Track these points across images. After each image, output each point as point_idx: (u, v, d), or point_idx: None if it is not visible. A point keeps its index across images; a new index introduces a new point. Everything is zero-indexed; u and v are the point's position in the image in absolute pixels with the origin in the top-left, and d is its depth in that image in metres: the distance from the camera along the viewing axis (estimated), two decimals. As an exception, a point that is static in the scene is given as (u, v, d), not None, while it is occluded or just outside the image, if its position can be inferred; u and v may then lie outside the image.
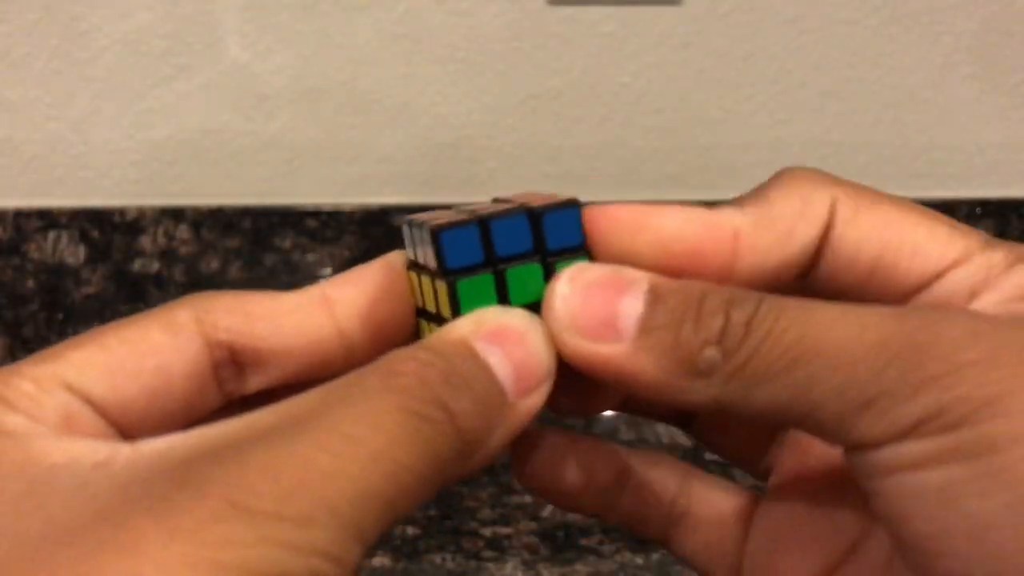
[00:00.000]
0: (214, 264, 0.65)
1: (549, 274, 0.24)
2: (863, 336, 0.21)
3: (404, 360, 0.21)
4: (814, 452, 0.27)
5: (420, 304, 0.25)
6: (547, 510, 0.53)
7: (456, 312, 0.23)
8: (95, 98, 0.64)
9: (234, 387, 0.24)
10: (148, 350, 0.23)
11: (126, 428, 0.23)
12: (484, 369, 0.22)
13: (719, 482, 0.28)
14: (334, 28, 0.65)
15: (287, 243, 0.65)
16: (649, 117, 0.67)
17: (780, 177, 0.25)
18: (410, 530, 0.50)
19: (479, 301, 0.23)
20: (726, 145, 0.68)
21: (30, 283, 0.65)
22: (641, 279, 0.23)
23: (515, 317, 0.23)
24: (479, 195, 0.67)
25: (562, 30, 0.66)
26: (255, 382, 0.24)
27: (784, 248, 0.24)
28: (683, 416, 0.29)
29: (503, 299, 0.24)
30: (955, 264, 0.24)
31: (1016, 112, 0.68)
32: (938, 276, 0.24)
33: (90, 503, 0.18)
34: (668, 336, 0.22)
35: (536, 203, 0.24)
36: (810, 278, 0.25)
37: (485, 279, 0.23)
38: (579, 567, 0.48)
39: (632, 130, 0.67)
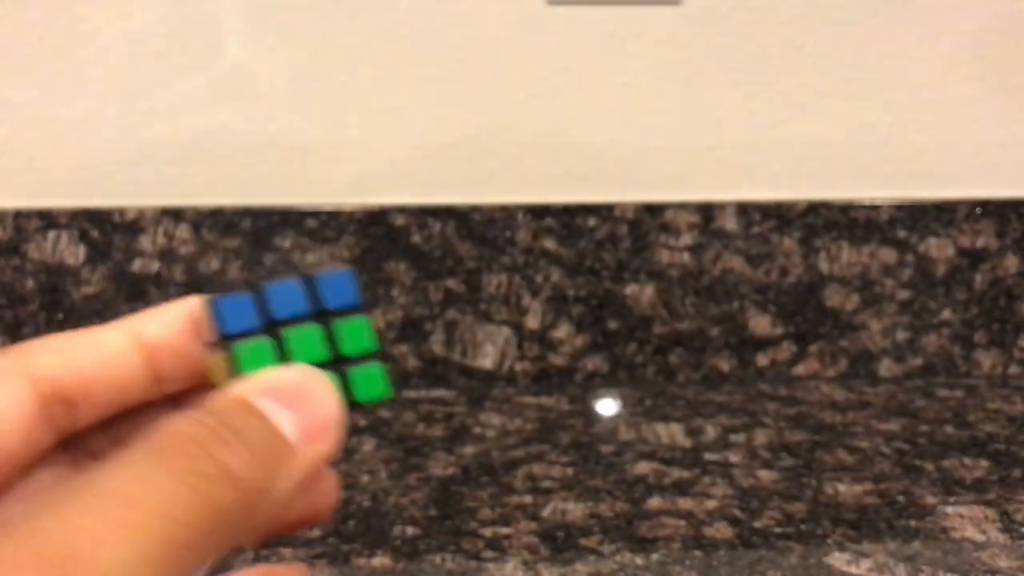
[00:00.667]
0: (214, 264, 0.65)
1: (330, 334, 0.25)
2: None
3: (179, 423, 0.22)
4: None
5: (217, 382, 0.26)
6: (547, 510, 0.53)
7: (237, 376, 0.24)
8: (95, 98, 0.64)
9: (67, 423, 0.26)
10: None
11: None
12: (260, 419, 0.23)
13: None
14: (334, 28, 0.64)
15: (287, 243, 0.65)
16: (649, 117, 0.67)
17: None
18: (410, 530, 0.50)
19: (260, 365, 0.24)
20: (726, 145, 0.68)
21: (30, 283, 0.65)
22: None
23: (293, 371, 0.24)
24: (479, 195, 0.67)
25: (562, 30, 0.65)
26: (85, 414, 0.26)
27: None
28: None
29: (285, 361, 0.25)
30: None
31: (1016, 112, 0.68)
32: None
33: None
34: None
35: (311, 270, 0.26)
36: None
37: (264, 344, 0.25)
38: (579, 567, 0.48)
39: (632, 130, 0.67)
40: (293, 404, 0.23)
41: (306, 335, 0.25)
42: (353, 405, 0.26)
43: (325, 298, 0.25)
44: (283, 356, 0.25)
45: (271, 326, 0.25)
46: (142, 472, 0.20)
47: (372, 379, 0.26)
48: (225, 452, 0.21)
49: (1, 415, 0.24)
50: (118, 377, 0.26)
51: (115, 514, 0.19)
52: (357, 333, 0.26)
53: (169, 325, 0.26)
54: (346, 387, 0.26)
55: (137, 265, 0.65)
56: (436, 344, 0.67)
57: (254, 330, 0.25)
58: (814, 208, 0.67)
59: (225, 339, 0.25)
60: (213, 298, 0.25)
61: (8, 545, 0.18)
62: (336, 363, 0.26)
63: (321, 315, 0.26)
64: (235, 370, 0.24)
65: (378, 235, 0.66)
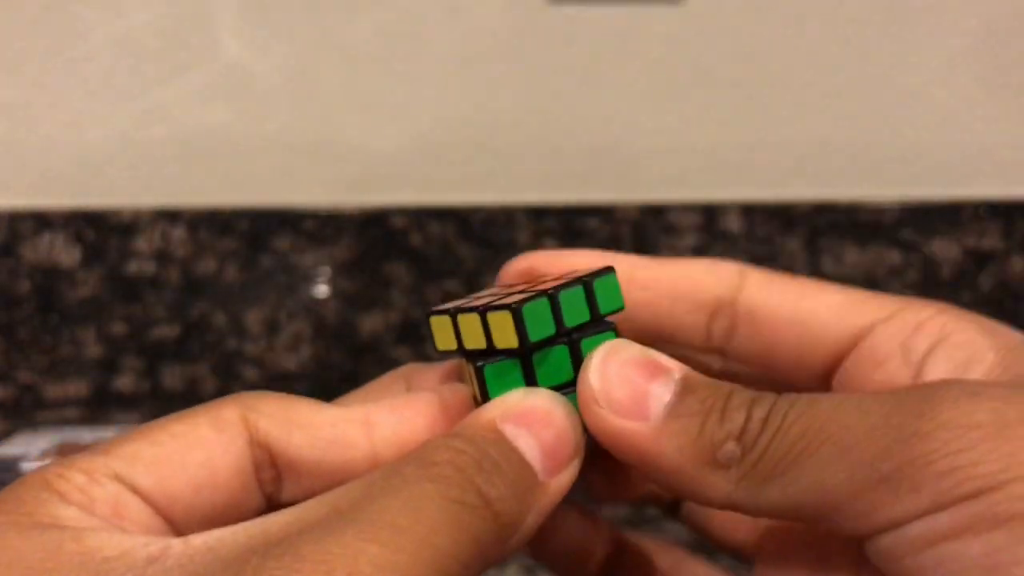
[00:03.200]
0: (210, 265, 0.65)
1: (575, 354, 0.24)
2: (866, 418, 0.21)
3: (439, 449, 0.22)
4: (795, 535, 0.27)
5: (475, 396, 0.26)
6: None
7: (484, 396, 0.24)
8: (90, 98, 0.64)
9: (273, 491, 0.25)
10: (195, 444, 0.24)
11: (173, 520, 0.23)
12: (514, 452, 0.23)
13: (708, 569, 0.30)
14: (333, 27, 0.64)
15: (284, 244, 0.65)
16: (649, 117, 0.67)
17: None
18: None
19: (506, 385, 0.24)
20: (729, 145, 0.67)
21: (24, 285, 0.65)
22: (674, 368, 0.24)
23: (540, 397, 0.24)
24: (479, 195, 0.66)
25: (562, 30, 0.65)
26: (289, 491, 0.25)
27: (691, 298, 0.28)
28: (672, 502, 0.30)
29: (530, 382, 0.24)
30: (879, 321, 0.26)
31: (1022, 112, 0.68)
32: (863, 334, 0.26)
33: None
34: (693, 425, 0.23)
35: (577, 274, 0.25)
36: (730, 348, 0.28)
37: (511, 364, 0.24)
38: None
39: (632, 130, 0.67)
40: (540, 434, 0.23)
41: (554, 355, 0.24)
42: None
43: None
44: (529, 378, 0.24)
45: (560, 335, 0.24)
46: (409, 499, 0.20)
47: None
48: (487, 483, 0.21)
49: (211, 465, 0.24)
50: (338, 469, 0.25)
51: (382, 544, 0.19)
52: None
53: (410, 423, 0.25)
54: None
55: (132, 267, 0.65)
56: (435, 346, 0.67)
57: (551, 339, 0.24)
58: (818, 209, 0.67)
59: (472, 354, 0.24)
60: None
61: (267, 570, 0.19)
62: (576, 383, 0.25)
63: (566, 333, 0.24)
64: (483, 391, 0.24)
65: (377, 236, 0.65)
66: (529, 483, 0.22)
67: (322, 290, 0.66)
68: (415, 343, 0.66)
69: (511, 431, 0.23)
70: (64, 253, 0.64)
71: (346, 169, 0.66)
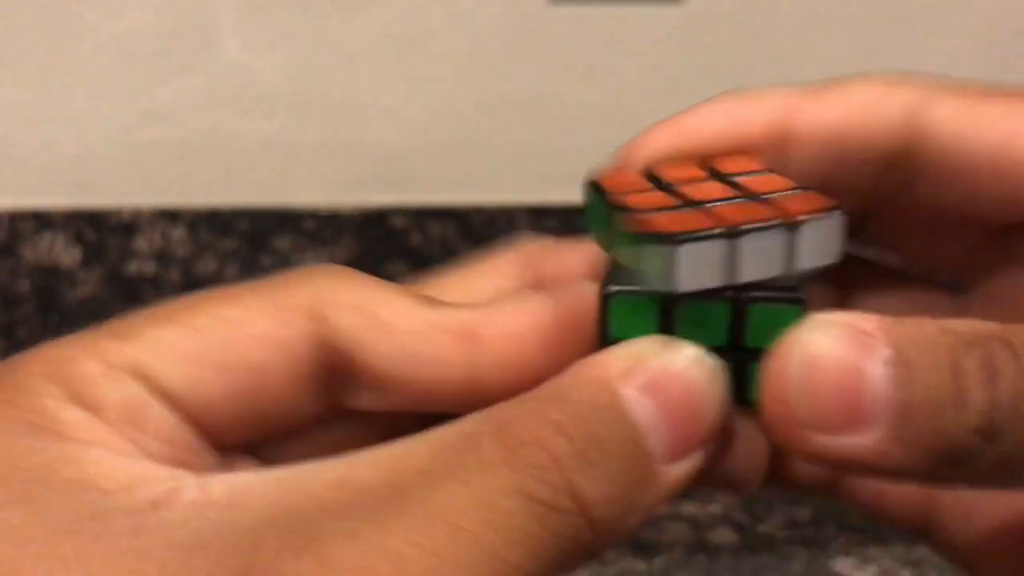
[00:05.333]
0: (211, 265, 0.65)
1: (739, 315, 0.19)
2: None
3: (530, 421, 0.17)
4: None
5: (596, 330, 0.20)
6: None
7: (604, 336, 0.19)
8: (90, 98, 0.64)
9: (339, 398, 0.20)
10: (246, 340, 0.19)
11: (204, 427, 0.19)
12: (629, 432, 0.17)
13: None
14: (333, 27, 0.64)
15: (285, 244, 0.65)
16: (649, 117, 0.66)
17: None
18: (409, 535, 0.50)
19: (634, 329, 0.19)
20: (728, 145, 0.67)
21: (24, 285, 0.65)
22: (877, 334, 0.17)
23: (681, 356, 0.18)
24: (479, 195, 0.66)
25: (562, 30, 0.65)
26: (366, 401, 0.20)
27: (861, 128, 0.21)
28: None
29: (666, 331, 0.19)
30: None
31: (1021, 112, 0.68)
32: None
33: (139, 562, 0.15)
34: (927, 423, 0.17)
35: (793, 209, 0.19)
36: (914, 193, 0.21)
37: (648, 301, 0.19)
38: (580, 572, 0.47)
39: (632, 130, 0.66)
40: (672, 409, 0.18)
41: (707, 313, 0.19)
42: (741, 405, 0.19)
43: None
44: (666, 325, 0.19)
45: (728, 290, 0.18)
46: (481, 492, 0.16)
47: None
48: (586, 480, 0.17)
49: (260, 367, 0.19)
50: (429, 389, 0.20)
51: (436, 553, 0.15)
52: (778, 322, 0.18)
53: (527, 343, 0.20)
54: (739, 384, 0.19)
55: (133, 267, 0.65)
56: (435, 346, 0.67)
57: (714, 291, 0.18)
58: (818, 209, 0.67)
59: (613, 292, 0.19)
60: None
61: (282, 563, 0.15)
62: (732, 351, 0.19)
63: (734, 288, 0.18)
64: (603, 326, 0.19)
65: (377, 236, 0.65)
66: (641, 475, 0.18)
67: (322, 290, 0.66)
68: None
69: (631, 398, 0.17)
70: (64, 253, 0.64)
71: (346, 169, 0.66)
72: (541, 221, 0.66)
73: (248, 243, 0.64)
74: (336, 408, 0.20)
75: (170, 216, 0.65)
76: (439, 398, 0.20)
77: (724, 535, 0.50)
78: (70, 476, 0.17)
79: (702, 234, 0.18)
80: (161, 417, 0.19)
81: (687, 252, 0.18)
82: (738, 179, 0.20)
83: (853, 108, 0.22)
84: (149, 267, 0.65)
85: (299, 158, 0.66)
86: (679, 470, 0.18)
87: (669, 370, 0.18)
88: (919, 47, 0.67)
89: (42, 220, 0.64)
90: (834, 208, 0.19)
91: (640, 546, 0.49)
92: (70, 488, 0.16)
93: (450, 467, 0.16)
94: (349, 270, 0.20)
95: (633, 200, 0.20)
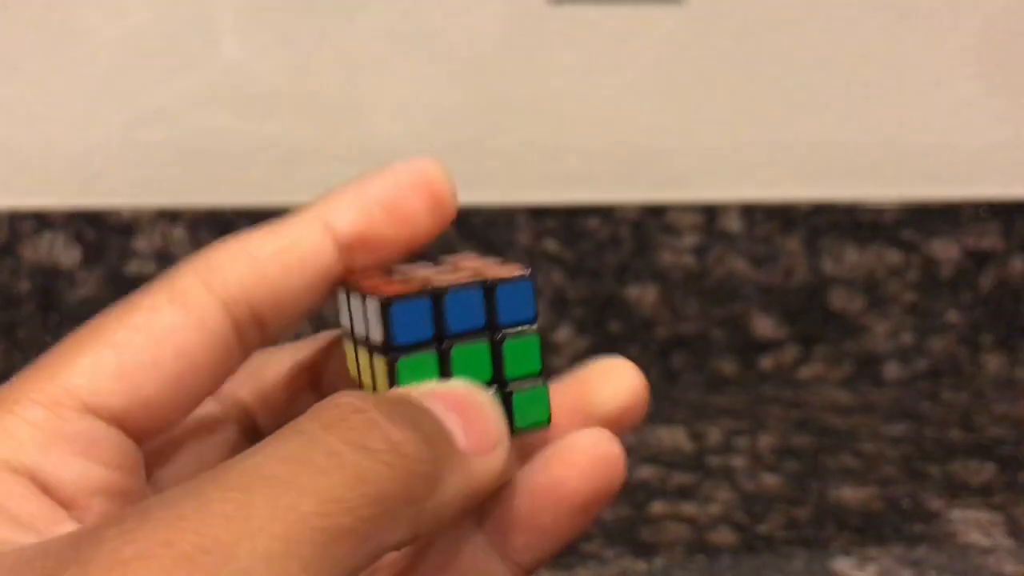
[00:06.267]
0: (211, 266, 0.65)
1: (497, 352, 0.22)
2: None
3: (342, 395, 0.19)
4: None
5: (355, 376, 0.23)
6: (548, 515, 0.52)
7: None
8: (90, 98, 0.64)
9: (256, 340, 0.23)
10: (162, 336, 0.21)
11: (146, 434, 0.21)
12: (429, 413, 0.20)
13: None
14: (332, 27, 0.64)
15: (284, 244, 0.65)
16: (649, 117, 0.67)
17: None
18: (409, 535, 0.50)
19: (419, 379, 0.22)
20: (729, 146, 0.67)
21: (24, 285, 0.64)
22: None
23: (459, 384, 0.21)
24: (479, 196, 0.66)
25: (562, 30, 0.65)
26: (275, 328, 0.23)
27: None
28: None
29: (446, 377, 0.22)
30: None
31: (1022, 112, 0.68)
32: None
33: None
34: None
35: (489, 273, 0.23)
36: None
37: (428, 357, 0.22)
38: (580, 572, 0.47)
39: (634, 130, 0.67)
40: (460, 408, 0.20)
41: (473, 352, 0.22)
42: (512, 431, 0.22)
43: (500, 311, 0.22)
44: (444, 372, 0.22)
45: (440, 339, 0.22)
46: (298, 447, 0.18)
47: (533, 403, 0.23)
48: (395, 428, 0.18)
49: (187, 352, 0.21)
50: (312, 285, 0.22)
51: (262, 498, 0.16)
52: (525, 352, 0.23)
53: (368, 213, 0.23)
54: (507, 411, 0.22)
55: (133, 267, 0.65)
56: (435, 347, 0.67)
57: (423, 342, 0.22)
58: (819, 209, 0.67)
59: (389, 350, 0.21)
60: (389, 301, 0.21)
61: (141, 532, 0.16)
62: (497, 383, 0.22)
63: (490, 329, 0.22)
64: (391, 382, 0.21)
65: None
66: (445, 444, 0.20)
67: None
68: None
69: (426, 400, 0.20)
70: (64, 253, 0.64)
71: (346, 169, 0.66)
72: (541, 221, 0.66)
73: (248, 243, 0.64)
74: (253, 348, 0.23)
75: (170, 216, 0.64)
76: (321, 294, 0.23)
77: (724, 535, 0.50)
78: None
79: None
80: (111, 442, 0.20)
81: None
82: (450, 260, 0.25)
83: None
84: (149, 267, 0.65)
85: (299, 158, 0.66)
86: (486, 464, 0.20)
87: (453, 389, 0.21)
88: (919, 47, 0.67)
89: (42, 220, 0.64)
90: (524, 274, 0.23)
91: (640, 546, 0.49)
92: None
93: (274, 437, 0.18)
94: (216, 244, 0.23)
95: (366, 283, 0.23)
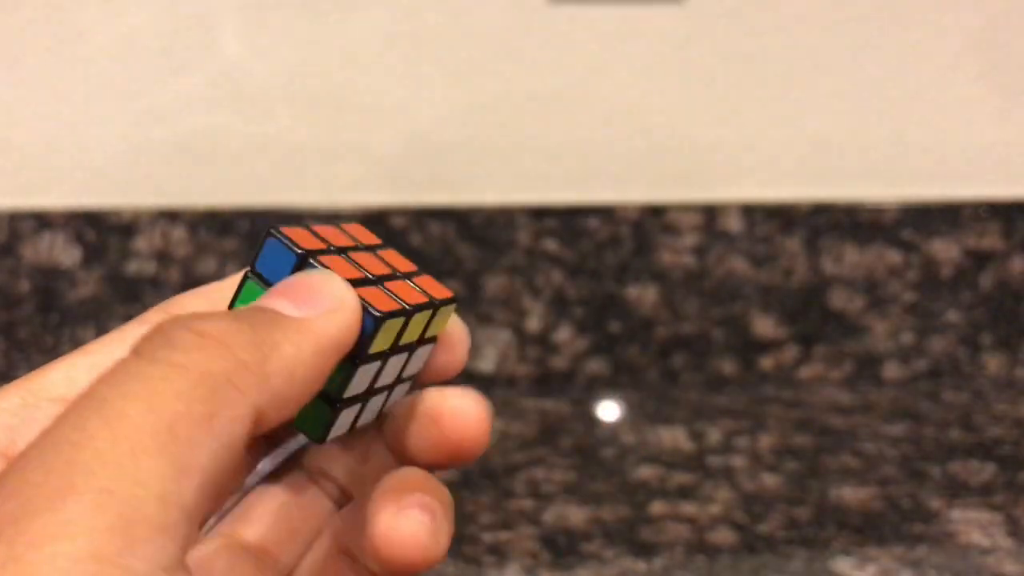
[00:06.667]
0: (210, 265, 0.65)
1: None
2: None
3: (163, 326, 0.20)
4: None
5: None
6: (548, 515, 0.52)
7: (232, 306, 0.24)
8: (91, 98, 0.64)
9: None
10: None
11: None
12: (249, 308, 0.21)
13: None
14: (332, 27, 0.64)
15: (285, 244, 0.64)
16: (649, 117, 0.66)
17: None
18: (409, 535, 0.50)
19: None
20: (729, 145, 0.67)
21: (24, 285, 0.64)
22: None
23: (292, 277, 0.23)
24: (478, 196, 0.66)
25: (562, 30, 0.65)
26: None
27: None
28: None
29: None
30: None
31: (1022, 112, 0.68)
32: None
33: None
34: None
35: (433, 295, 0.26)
36: None
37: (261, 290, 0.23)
38: (580, 572, 0.47)
39: (634, 130, 0.67)
40: (286, 293, 0.22)
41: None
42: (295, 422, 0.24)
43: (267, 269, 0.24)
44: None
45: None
46: (119, 370, 0.18)
47: (319, 417, 0.25)
48: (207, 324, 0.19)
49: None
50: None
51: (89, 414, 0.17)
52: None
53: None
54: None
55: (133, 267, 0.65)
56: (435, 347, 0.67)
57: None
58: (819, 209, 0.67)
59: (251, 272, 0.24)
60: (271, 234, 0.23)
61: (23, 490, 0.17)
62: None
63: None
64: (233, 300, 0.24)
65: (377, 236, 0.65)
66: (273, 319, 0.21)
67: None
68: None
69: (254, 305, 0.22)
70: (64, 253, 0.64)
71: (346, 169, 0.66)
72: (541, 221, 0.66)
73: (248, 243, 0.64)
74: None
75: (170, 216, 0.64)
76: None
77: (724, 535, 0.50)
78: None
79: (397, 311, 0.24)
80: None
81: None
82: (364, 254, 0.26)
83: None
84: (149, 267, 0.65)
85: (299, 158, 0.65)
86: (322, 322, 0.21)
87: (288, 280, 0.22)
88: (919, 47, 0.67)
89: (42, 220, 0.64)
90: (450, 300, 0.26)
91: (640, 546, 0.49)
92: None
93: (101, 380, 0.18)
94: (185, 294, 0.24)
95: (329, 259, 0.24)
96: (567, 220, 0.66)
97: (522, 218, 0.66)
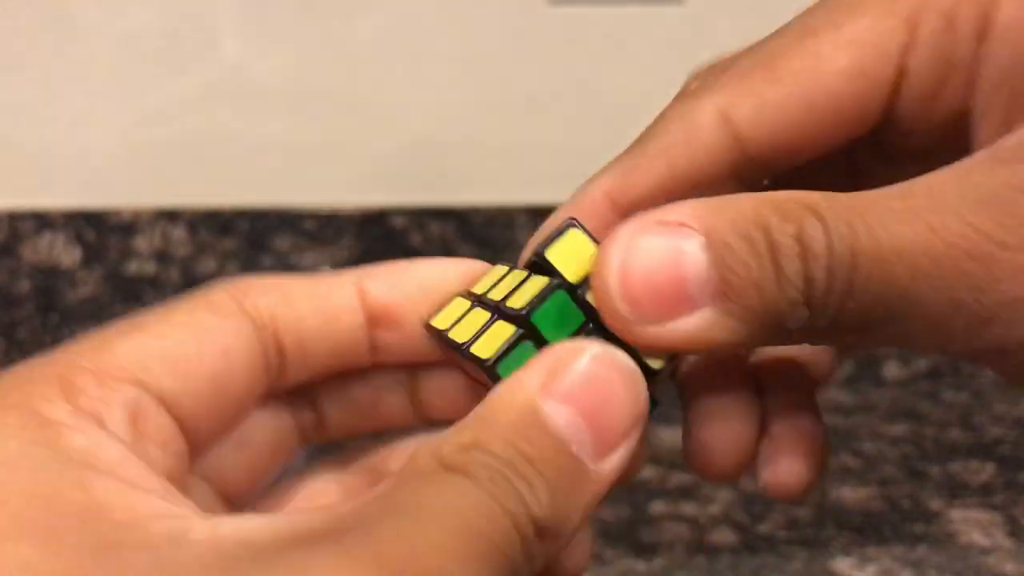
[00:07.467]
0: (211, 265, 0.65)
1: (572, 294, 0.22)
2: (950, 263, 0.18)
3: (463, 451, 0.18)
4: None
5: (441, 327, 0.23)
6: (548, 515, 0.52)
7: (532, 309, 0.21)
8: (90, 98, 0.64)
9: (276, 378, 0.23)
10: (204, 333, 0.21)
11: (190, 426, 0.21)
12: (553, 440, 0.18)
13: None
14: (332, 28, 0.64)
15: (285, 244, 0.65)
16: (650, 117, 0.66)
17: None
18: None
19: (554, 325, 0.21)
20: (728, 145, 0.67)
21: (24, 285, 0.64)
22: (690, 221, 0.19)
23: (587, 358, 0.19)
24: (478, 196, 0.66)
25: (562, 30, 0.65)
26: (294, 373, 0.23)
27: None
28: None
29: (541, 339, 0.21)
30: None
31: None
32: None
33: None
34: (749, 300, 0.19)
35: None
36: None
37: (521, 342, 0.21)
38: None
39: (633, 130, 0.66)
40: (588, 410, 0.19)
41: (554, 307, 0.21)
42: (649, 374, 0.21)
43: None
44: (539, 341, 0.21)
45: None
46: (473, 496, 0.17)
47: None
48: (525, 486, 0.18)
49: (227, 353, 0.21)
50: (337, 336, 0.23)
51: (459, 539, 0.17)
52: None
53: (402, 290, 0.23)
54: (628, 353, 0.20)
55: (133, 267, 0.65)
56: (435, 347, 0.67)
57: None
58: (818, 209, 0.67)
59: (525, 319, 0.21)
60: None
61: (345, 544, 0.16)
62: (597, 326, 0.21)
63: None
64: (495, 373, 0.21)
65: (377, 236, 0.65)
66: (573, 479, 0.18)
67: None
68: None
69: (553, 410, 0.18)
70: (64, 253, 0.64)
71: (346, 169, 0.66)
72: (541, 221, 0.66)
73: (248, 243, 0.64)
74: (273, 392, 0.23)
75: (170, 216, 0.64)
76: (346, 351, 0.23)
77: (724, 535, 0.50)
78: (80, 503, 0.17)
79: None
80: (160, 423, 0.20)
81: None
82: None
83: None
84: (149, 267, 0.65)
85: (299, 158, 0.65)
86: (611, 464, 0.19)
87: (579, 374, 0.19)
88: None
89: (42, 220, 0.64)
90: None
91: (640, 546, 0.49)
92: (82, 517, 0.16)
93: (438, 477, 0.18)
94: (253, 276, 0.23)
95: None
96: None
97: (522, 218, 0.66)
